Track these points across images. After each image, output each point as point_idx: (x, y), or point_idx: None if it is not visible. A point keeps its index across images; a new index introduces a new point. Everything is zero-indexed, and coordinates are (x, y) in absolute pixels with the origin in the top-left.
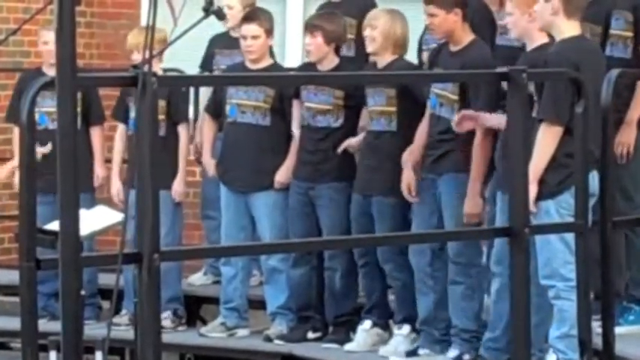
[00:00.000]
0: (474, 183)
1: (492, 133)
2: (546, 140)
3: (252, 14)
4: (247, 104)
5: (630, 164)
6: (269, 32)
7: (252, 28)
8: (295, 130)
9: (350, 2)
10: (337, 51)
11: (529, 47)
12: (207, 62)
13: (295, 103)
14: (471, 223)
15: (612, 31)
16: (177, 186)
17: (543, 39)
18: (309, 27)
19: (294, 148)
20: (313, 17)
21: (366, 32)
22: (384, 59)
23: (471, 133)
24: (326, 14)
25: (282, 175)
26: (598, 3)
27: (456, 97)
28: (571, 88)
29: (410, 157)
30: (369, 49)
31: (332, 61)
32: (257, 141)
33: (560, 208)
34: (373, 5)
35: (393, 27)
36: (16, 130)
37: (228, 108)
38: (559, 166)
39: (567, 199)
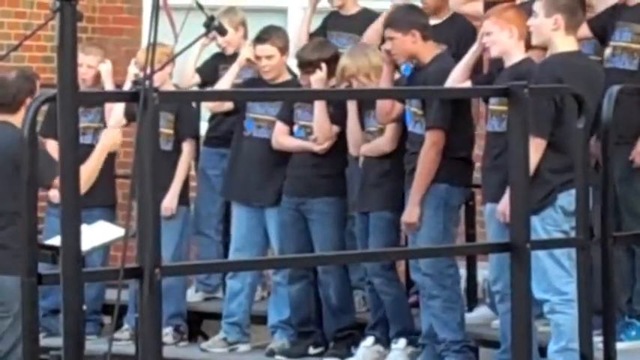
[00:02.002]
0: (416, 194)
1: (439, 145)
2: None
3: (264, 34)
4: (263, 119)
5: (635, 181)
6: (283, 50)
7: (265, 49)
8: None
9: (358, 19)
10: None
11: (507, 63)
12: (206, 71)
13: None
14: (408, 231)
15: (617, 43)
16: (168, 202)
17: (521, 55)
18: (312, 64)
19: None
20: (307, 52)
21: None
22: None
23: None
24: (316, 45)
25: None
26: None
27: (422, 112)
28: (554, 103)
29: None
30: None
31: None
32: (270, 155)
33: (545, 225)
34: None
35: (364, 62)
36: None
37: (246, 122)
38: (542, 182)
39: (551, 214)
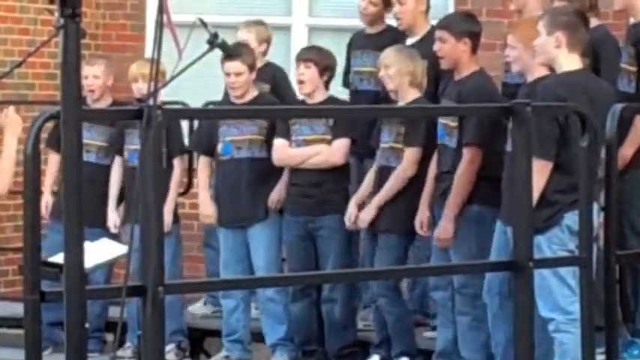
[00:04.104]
0: (450, 210)
1: (476, 162)
2: (534, 175)
3: (235, 51)
4: (242, 139)
5: (637, 200)
6: (252, 67)
7: (235, 65)
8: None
9: (383, 36)
10: (326, 86)
11: (529, 79)
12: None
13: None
14: (442, 248)
15: (621, 64)
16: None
17: (543, 72)
18: (303, 58)
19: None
20: (305, 50)
21: (381, 73)
22: (405, 99)
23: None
24: (318, 48)
25: (278, 193)
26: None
27: (455, 124)
28: (557, 123)
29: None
30: (388, 87)
31: (322, 95)
32: (256, 174)
33: (551, 244)
34: (404, 40)
35: (405, 64)
36: (52, 157)
37: (221, 146)
38: (548, 203)
39: (557, 233)
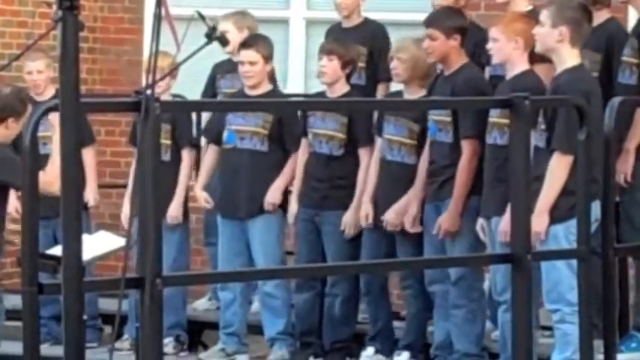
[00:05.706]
0: (457, 203)
1: (477, 156)
2: (559, 171)
3: (251, 40)
4: (246, 130)
5: (636, 193)
6: (267, 58)
7: (249, 54)
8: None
9: (360, 29)
10: (347, 79)
11: (510, 74)
12: (209, 88)
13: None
14: (445, 238)
15: (622, 58)
16: (173, 210)
17: (524, 66)
18: (326, 50)
19: (287, 170)
20: (330, 41)
21: (393, 64)
22: (413, 94)
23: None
24: (343, 41)
25: (271, 195)
26: (598, 30)
27: (449, 119)
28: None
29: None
30: (396, 80)
31: (343, 88)
32: (255, 167)
33: (569, 234)
34: (384, 33)
35: (420, 58)
36: None
37: (226, 134)
38: (570, 193)
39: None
